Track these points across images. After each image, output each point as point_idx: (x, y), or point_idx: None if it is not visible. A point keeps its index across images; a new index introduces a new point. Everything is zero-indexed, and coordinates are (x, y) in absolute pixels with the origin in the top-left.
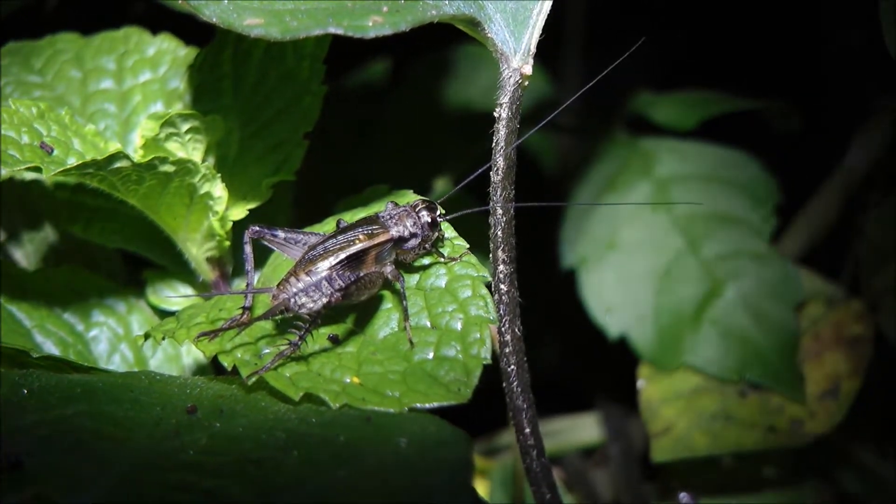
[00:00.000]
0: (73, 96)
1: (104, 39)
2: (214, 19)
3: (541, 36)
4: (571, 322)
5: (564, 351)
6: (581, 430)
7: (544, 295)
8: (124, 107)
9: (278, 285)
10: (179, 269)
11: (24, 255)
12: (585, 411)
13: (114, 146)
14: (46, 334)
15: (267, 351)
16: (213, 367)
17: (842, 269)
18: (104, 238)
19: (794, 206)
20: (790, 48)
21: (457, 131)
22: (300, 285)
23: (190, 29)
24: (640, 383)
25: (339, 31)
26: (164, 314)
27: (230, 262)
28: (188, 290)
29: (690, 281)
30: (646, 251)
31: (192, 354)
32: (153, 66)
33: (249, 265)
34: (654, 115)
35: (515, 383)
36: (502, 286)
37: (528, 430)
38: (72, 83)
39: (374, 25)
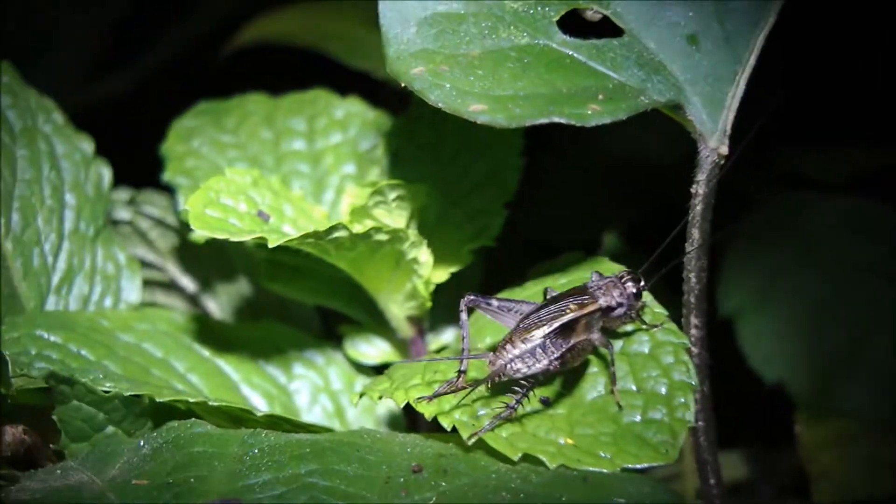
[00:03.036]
0: (266, 156)
1: (293, 101)
2: (440, 104)
3: (736, 118)
4: (724, 361)
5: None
6: (730, 466)
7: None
8: (316, 167)
9: (494, 351)
10: (377, 325)
11: (218, 306)
12: (733, 448)
13: (318, 210)
14: (253, 387)
15: (483, 412)
16: (405, 418)
17: None
18: (304, 296)
19: None
20: None
21: (619, 188)
22: (516, 352)
23: (369, 90)
24: (798, 428)
25: (562, 120)
26: (360, 367)
27: (428, 321)
28: (385, 345)
29: (841, 330)
30: (799, 300)
31: (385, 405)
32: (343, 127)
33: (465, 332)
34: (803, 170)
35: (703, 439)
36: (694, 349)
37: (712, 482)
38: (264, 143)
39: (594, 114)
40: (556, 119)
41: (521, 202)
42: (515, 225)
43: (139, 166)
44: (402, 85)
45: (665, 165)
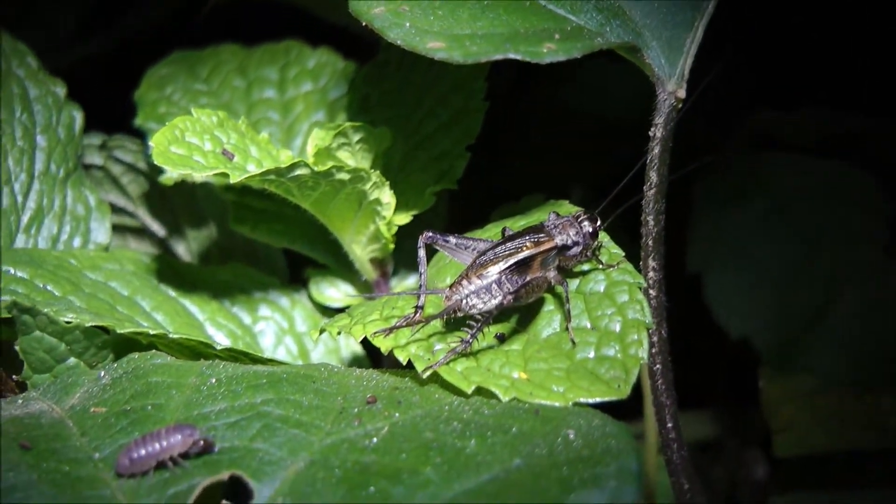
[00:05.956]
0: (238, 104)
1: (265, 51)
2: (399, 42)
3: (693, 63)
4: (688, 323)
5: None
6: (697, 425)
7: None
8: (287, 115)
9: (451, 287)
10: (342, 268)
11: (187, 249)
12: (700, 408)
13: (285, 153)
14: (218, 327)
15: (438, 347)
16: (369, 360)
17: None
18: (271, 238)
19: None
20: None
21: (583, 140)
22: (472, 288)
23: (341, 43)
24: (762, 383)
25: (518, 57)
26: (325, 310)
27: (391, 263)
28: (350, 289)
29: (809, 288)
30: (767, 259)
31: (349, 348)
32: (314, 77)
33: (423, 268)
34: (776, 132)
35: (661, 381)
36: (651, 291)
37: (670, 425)
38: (236, 92)
39: (549, 52)
40: (512, 55)
41: (491, 154)
42: (484, 176)
43: (113, 114)
44: (364, 24)
45: (636, 122)
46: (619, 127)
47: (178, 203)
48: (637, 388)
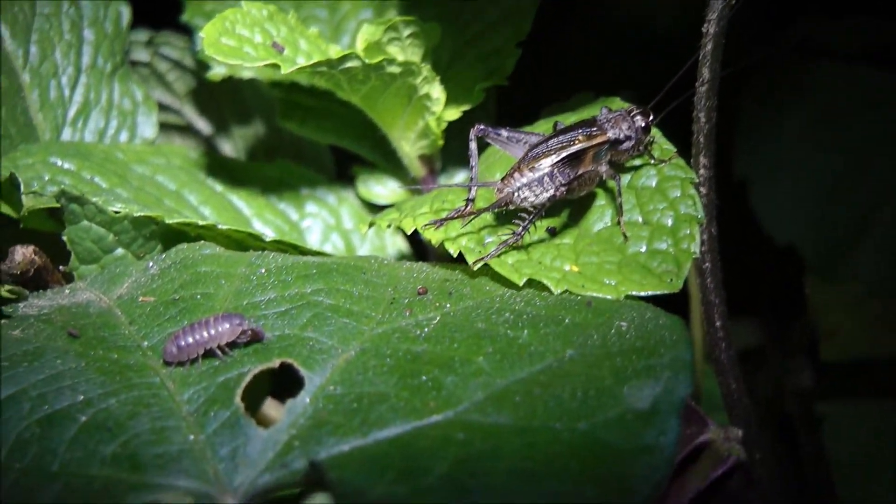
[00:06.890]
0: (285, 2)
1: None
2: None
3: None
4: (733, 230)
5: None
6: (742, 333)
7: None
8: (334, 14)
9: (502, 180)
10: (390, 165)
11: (233, 148)
12: (745, 316)
13: (334, 48)
14: (265, 222)
15: (489, 240)
16: (415, 258)
17: None
18: (318, 135)
19: None
20: None
21: (632, 45)
22: (524, 180)
23: None
24: (808, 290)
25: None
26: (372, 208)
27: (439, 160)
28: (397, 186)
29: (854, 198)
30: (812, 168)
31: (395, 246)
32: None
33: (474, 160)
34: (823, 40)
35: (710, 280)
36: (702, 189)
37: (718, 324)
38: None
39: None
40: None
41: (540, 54)
42: (533, 75)
43: (158, 13)
44: None
45: (684, 31)
46: (669, 34)
47: (224, 100)
48: (683, 292)
